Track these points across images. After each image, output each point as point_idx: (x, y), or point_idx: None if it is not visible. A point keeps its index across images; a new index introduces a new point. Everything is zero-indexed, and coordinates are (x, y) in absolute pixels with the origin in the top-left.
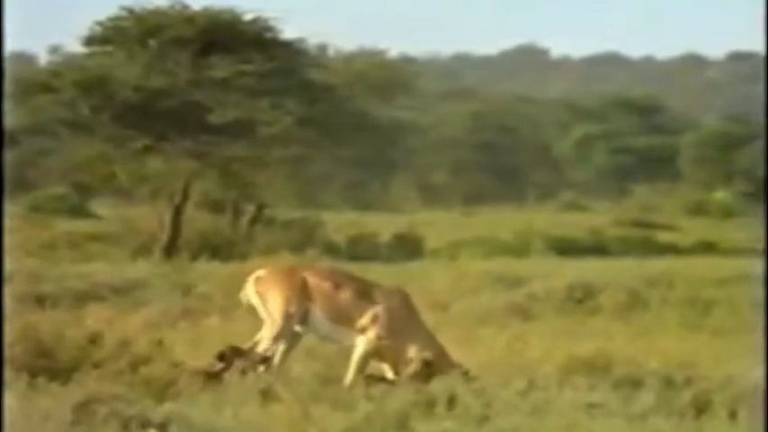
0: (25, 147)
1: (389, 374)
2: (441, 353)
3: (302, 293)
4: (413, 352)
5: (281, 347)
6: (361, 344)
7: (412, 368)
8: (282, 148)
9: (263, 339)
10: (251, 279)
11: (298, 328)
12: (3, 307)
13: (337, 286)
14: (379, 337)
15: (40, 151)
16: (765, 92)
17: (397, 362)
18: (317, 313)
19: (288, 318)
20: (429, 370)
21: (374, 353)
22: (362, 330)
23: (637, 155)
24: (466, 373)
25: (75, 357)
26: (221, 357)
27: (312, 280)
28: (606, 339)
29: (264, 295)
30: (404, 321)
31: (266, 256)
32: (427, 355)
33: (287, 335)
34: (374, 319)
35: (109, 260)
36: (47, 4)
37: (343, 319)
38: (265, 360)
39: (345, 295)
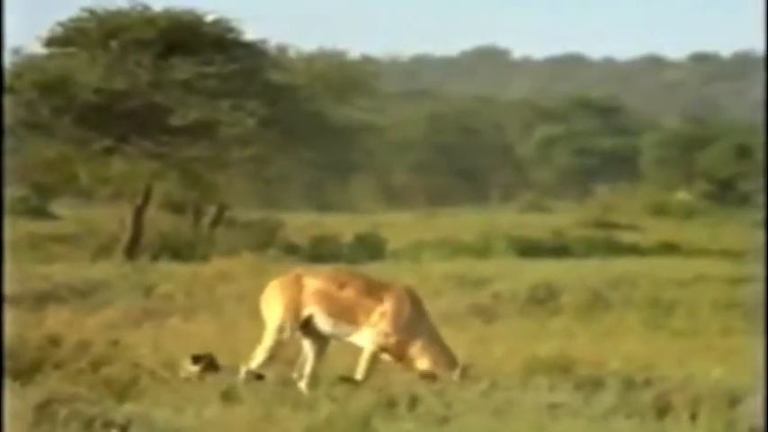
0: None
1: None
2: (444, 353)
3: (298, 303)
4: (415, 350)
5: (311, 355)
6: (369, 342)
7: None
8: (243, 148)
9: (257, 354)
10: (266, 288)
11: (293, 334)
12: (2, 307)
13: (342, 286)
14: (386, 335)
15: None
16: (765, 92)
17: (401, 358)
18: (321, 315)
19: (279, 332)
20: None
21: (382, 349)
22: (372, 326)
23: (598, 156)
24: (465, 370)
25: (37, 358)
26: (196, 360)
27: (313, 284)
28: (568, 340)
29: (266, 308)
30: (410, 319)
31: (227, 257)
32: (425, 366)
33: (281, 344)
34: (382, 317)
35: (70, 261)
36: (11, 6)
37: (349, 317)
38: (260, 377)
39: (350, 294)
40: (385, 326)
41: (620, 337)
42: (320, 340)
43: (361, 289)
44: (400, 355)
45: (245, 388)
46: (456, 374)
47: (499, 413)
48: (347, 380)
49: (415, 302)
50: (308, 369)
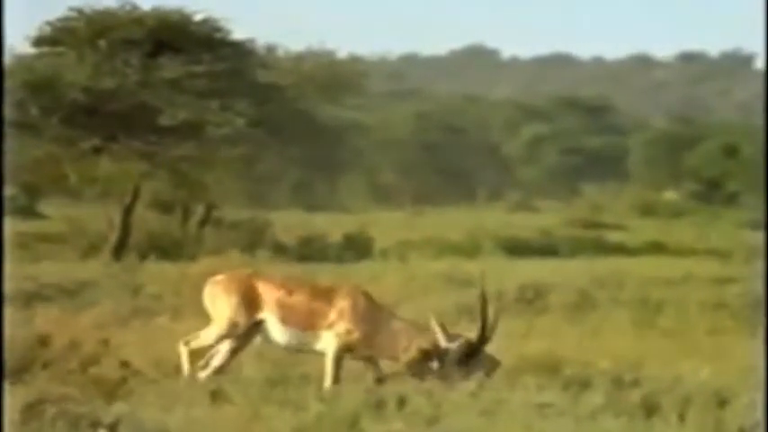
0: None
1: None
2: (416, 328)
3: (253, 304)
4: (385, 338)
5: (225, 350)
6: (332, 342)
7: (408, 356)
8: (231, 148)
9: (201, 336)
10: (208, 283)
11: (241, 332)
12: (2, 307)
13: (291, 292)
14: (348, 332)
15: None
16: (765, 91)
17: (370, 351)
18: (274, 322)
19: (232, 325)
20: (427, 357)
21: (346, 348)
22: (330, 328)
23: (586, 155)
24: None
25: (25, 358)
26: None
27: (265, 289)
28: (556, 339)
29: (215, 299)
30: (368, 311)
31: (215, 257)
32: (423, 343)
33: (229, 338)
34: (341, 315)
35: (58, 261)
36: (11, 6)
37: (305, 323)
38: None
39: (302, 299)
40: (345, 323)
41: (608, 336)
42: (241, 340)
43: (312, 294)
44: (368, 348)
45: (234, 387)
46: (437, 328)
47: (487, 413)
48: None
49: (368, 296)
50: (216, 363)
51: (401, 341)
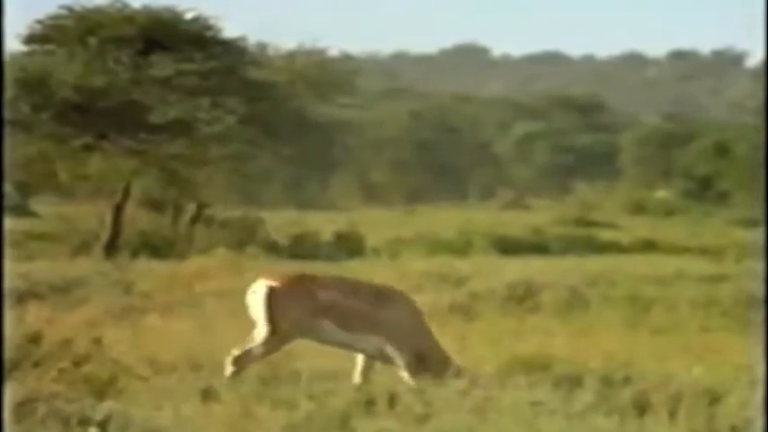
0: None
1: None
2: (443, 356)
3: (314, 312)
4: (422, 353)
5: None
6: (392, 350)
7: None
8: (223, 146)
9: (257, 349)
10: (262, 287)
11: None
12: (3, 307)
13: (347, 295)
14: (400, 339)
15: None
16: (765, 91)
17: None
18: (329, 325)
19: (285, 339)
20: (423, 364)
21: (415, 354)
22: (378, 335)
23: (577, 153)
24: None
25: (15, 356)
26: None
27: (323, 293)
28: (547, 338)
29: (275, 309)
30: (420, 317)
31: (206, 255)
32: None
33: (279, 349)
34: (397, 321)
35: (49, 259)
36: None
37: (360, 326)
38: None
39: (359, 302)
40: (399, 331)
41: (599, 334)
42: None
43: (368, 296)
44: (418, 358)
45: (225, 386)
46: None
47: (478, 411)
48: None
49: (412, 302)
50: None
51: (428, 362)
